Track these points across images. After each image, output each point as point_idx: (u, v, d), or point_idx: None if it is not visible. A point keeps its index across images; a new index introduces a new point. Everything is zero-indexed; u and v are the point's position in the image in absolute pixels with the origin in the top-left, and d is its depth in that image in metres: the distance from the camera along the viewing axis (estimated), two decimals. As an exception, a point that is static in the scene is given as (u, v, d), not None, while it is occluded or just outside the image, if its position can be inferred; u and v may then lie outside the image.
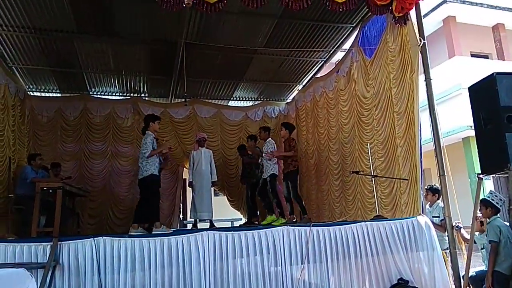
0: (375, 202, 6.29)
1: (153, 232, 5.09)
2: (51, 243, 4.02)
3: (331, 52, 8.47)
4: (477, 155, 4.64)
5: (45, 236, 5.70)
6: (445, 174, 5.27)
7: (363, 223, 4.97)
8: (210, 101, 10.34)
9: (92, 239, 4.12)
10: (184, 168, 9.75)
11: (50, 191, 5.94)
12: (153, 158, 5.74)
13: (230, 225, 8.55)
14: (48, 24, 6.69)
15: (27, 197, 6.26)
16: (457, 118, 11.14)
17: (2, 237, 5.60)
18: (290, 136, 7.08)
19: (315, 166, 8.95)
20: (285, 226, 4.70)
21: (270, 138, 7.39)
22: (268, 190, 7.08)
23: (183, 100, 8.64)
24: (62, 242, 4.08)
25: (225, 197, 10.34)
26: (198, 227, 7.23)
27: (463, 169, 11.94)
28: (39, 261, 3.96)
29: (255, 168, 8.04)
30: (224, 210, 9.93)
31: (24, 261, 3.95)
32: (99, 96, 9.71)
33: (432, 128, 5.42)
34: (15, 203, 6.84)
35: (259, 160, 7.68)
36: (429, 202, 5.86)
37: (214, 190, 9.27)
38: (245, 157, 8.62)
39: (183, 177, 9.89)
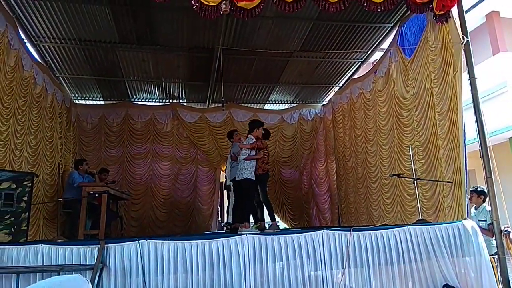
0: (416, 205, 6.10)
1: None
2: (98, 245, 4.18)
3: (368, 53, 8.34)
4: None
5: (91, 238, 5.95)
6: (492, 176, 5.05)
7: (406, 227, 4.82)
8: (246, 105, 10.44)
9: (137, 241, 4.24)
10: (221, 172, 9.88)
11: (96, 195, 6.19)
12: (251, 162, 5.85)
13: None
14: (93, 35, 7.03)
15: (74, 201, 6.56)
16: (503, 117, 10.62)
17: (52, 239, 5.90)
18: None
19: (353, 169, 8.83)
20: (325, 230, 4.65)
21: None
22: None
23: (220, 104, 8.79)
24: (109, 245, 4.23)
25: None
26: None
27: (510, 170, 11.36)
28: (87, 263, 4.13)
29: None
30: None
31: (73, 263, 4.14)
32: (140, 102, 10.06)
33: (478, 128, 5.20)
34: (63, 207, 7.19)
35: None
36: (474, 205, 5.62)
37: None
38: None
39: (220, 181, 10.04)
